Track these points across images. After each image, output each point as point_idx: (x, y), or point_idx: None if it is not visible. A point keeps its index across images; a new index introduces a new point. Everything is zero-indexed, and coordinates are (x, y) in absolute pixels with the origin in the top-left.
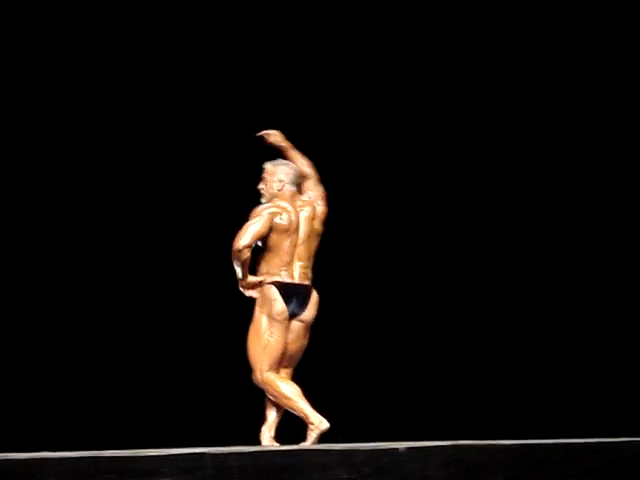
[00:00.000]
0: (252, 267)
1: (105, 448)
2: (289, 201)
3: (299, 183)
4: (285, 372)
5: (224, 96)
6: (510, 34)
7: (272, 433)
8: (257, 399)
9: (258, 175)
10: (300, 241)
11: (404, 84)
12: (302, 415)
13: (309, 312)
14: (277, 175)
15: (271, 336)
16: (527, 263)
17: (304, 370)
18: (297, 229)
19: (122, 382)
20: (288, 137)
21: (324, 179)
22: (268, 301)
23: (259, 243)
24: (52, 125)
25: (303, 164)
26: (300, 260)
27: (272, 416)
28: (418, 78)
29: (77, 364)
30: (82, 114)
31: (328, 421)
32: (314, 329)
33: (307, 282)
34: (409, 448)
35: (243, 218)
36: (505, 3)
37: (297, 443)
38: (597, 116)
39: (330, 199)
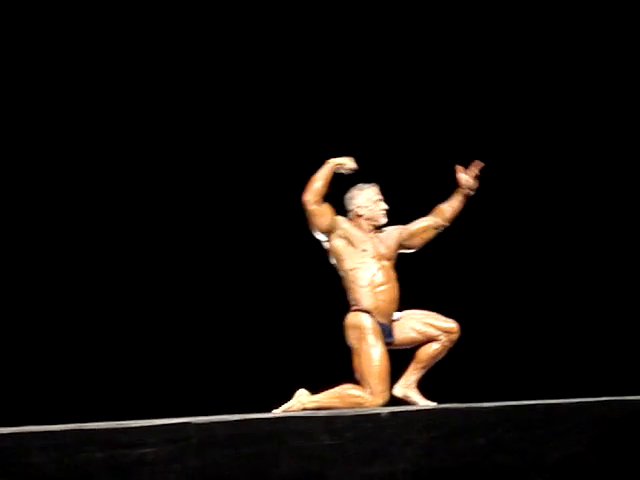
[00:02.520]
0: None
1: (88, 420)
2: None
3: None
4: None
5: (225, 96)
6: (513, 35)
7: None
8: (239, 367)
9: (258, 175)
10: None
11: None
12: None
13: None
14: None
15: None
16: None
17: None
18: None
19: (105, 353)
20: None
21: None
22: None
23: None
24: (52, 125)
25: (456, 214)
26: None
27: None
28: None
29: (60, 337)
30: (82, 114)
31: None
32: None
33: None
34: (391, 413)
35: (242, 217)
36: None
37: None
38: (597, 116)
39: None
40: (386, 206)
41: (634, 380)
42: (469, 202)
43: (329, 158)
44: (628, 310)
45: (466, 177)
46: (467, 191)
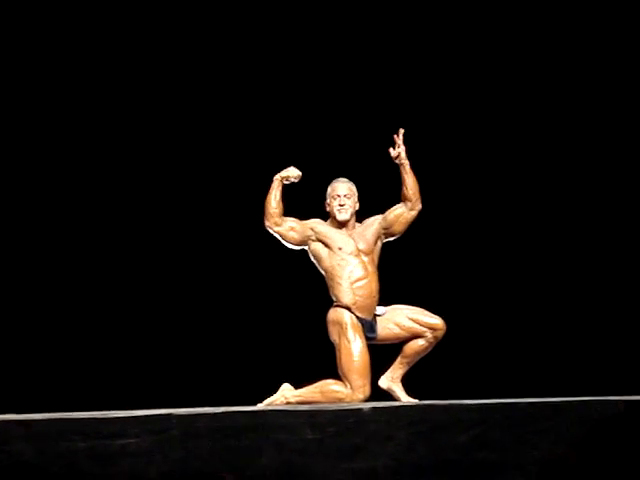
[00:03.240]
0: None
1: (71, 410)
2: None
3: None
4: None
5: (226, 97)
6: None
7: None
8: (222, 361)
9: (258, 176)
10: None
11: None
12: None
13: None
14: (356, 195)
15: None
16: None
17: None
18: None
19: (88, 343)
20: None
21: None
22: None
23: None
24: (52, 125)
25: (411, 187)
26: None
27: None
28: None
29: (44, 327)
30: (82, 114)
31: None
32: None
33: None
34: (373, 408)
35: (227, 213)
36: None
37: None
38: (597, 116)
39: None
40: (342, 202)
41: (616, 380)
42: (461, 198)
43: (322, 158)
44: (611, 310)
45: (392, 150)
46: (398, 161)
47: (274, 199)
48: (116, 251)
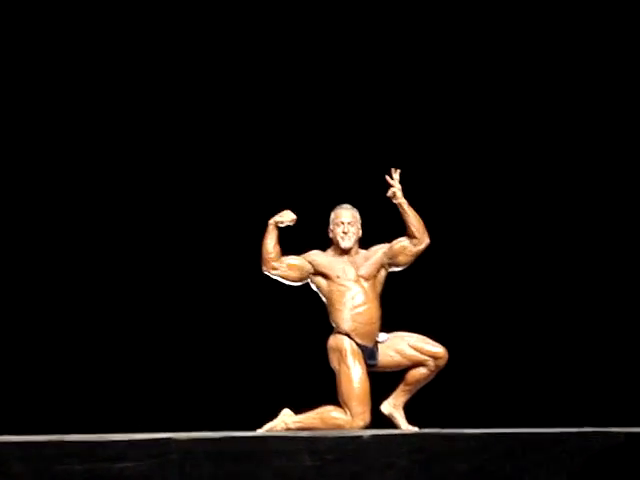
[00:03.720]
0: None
1: (70, 433)
2: None
3: None
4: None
5: (227, 98)
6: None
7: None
8: (223, 386)
9: (259, 177)
10: None
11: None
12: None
13: None
14: (359, 222)
15: None
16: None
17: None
18: None
19: (88, 366)
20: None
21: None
22: None
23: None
24: (52, 125)
25: (413, 225)
26: None
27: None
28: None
29: (43, 349)
30: (82, 114)
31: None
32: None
33: None
34: (373, 436)
35: (239, 216)
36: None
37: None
38: (598, 116)
39: None
40: (345, 229)
41: (616, 412)
42: (465, 227)
43: (323, 184)
44: (612, 342)
45: (389, 190)
46: (395, 201)
47: (269, 244)
48: (116, 272)
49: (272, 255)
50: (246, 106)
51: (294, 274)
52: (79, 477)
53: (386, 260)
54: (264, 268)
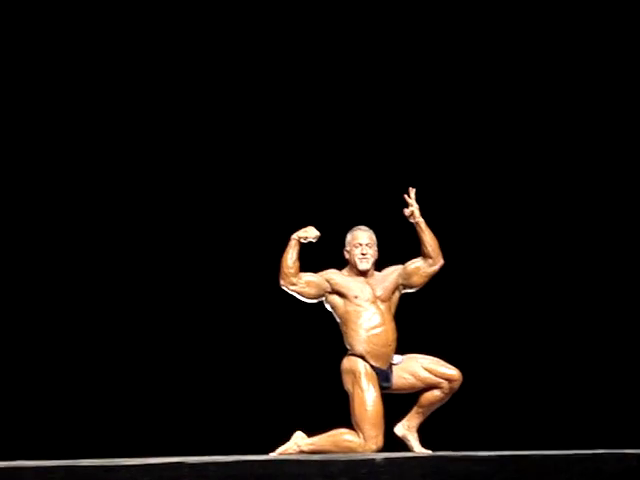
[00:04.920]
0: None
1: (82, 457)
2: None
3: None
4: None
5: (229, 98)
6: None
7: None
8: (235, 409)
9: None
10: None
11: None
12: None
13: None
14: (376, 244)
15: None
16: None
17: None
18: None
19: (100, 390)
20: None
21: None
22: None
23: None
24: (53, 125)
25: (429, 244)
26: None
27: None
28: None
29: (53, 372)
30: (82, 114)
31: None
32: None
33: None
34: (386, 459)
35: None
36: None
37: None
38: (598, 116)
39: None
40: (364, 251)
41: (629, 434)
42: (478, 249)
43: (337, 205)
44: (627, 366)
45: (405, 210)
46: (413, 220)
47: (290, 259)
48: (129, 294)
49: (292, 270)
50: (265, 123)
51: (311, 291)
52: None
53: (400, 281)
54: (282, 282)
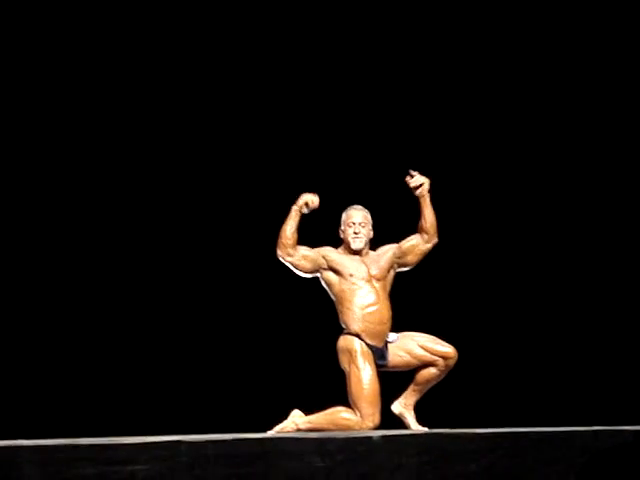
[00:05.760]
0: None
1: (81, 436)
2: None
3: None
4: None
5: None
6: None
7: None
8: (233, 387)
9: (269, 199)
10: None
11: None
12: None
13: None
14: (370, 223)
15: None
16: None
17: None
18: None
19: (98, 369)
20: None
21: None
22: None
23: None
24: (52, 125)
25: (429, 220)
26: None
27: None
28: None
29: (53, 352)
30: (83, 114)
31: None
32: None
33: None
34: (383, 437)
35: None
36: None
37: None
38: (597, 116)
39: None
40: (357, 230)
41: (624, 410)
42: (475, 226)
43: (334, 183)
44: (621, 342)
45: (410, 180)
46: (419, 194)
47: (290, 229)
48: (126, 276)
49: (290, 241)
50: (256, 104)
51: (307, 265)
52: None
53: (395, 260)
54: (279, 252)
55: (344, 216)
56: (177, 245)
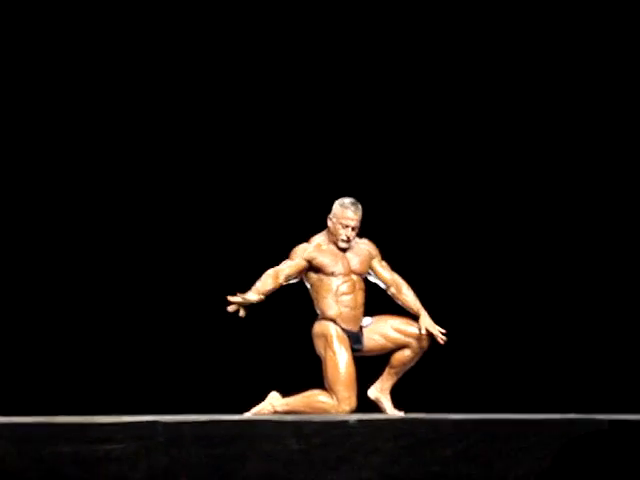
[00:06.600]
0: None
1: (57, 414)
2: None
3: None
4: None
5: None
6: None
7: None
8: (210, 369)
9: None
10: None
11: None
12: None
13: None
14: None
15: None
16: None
17: None
18: None
19: (76, 348)
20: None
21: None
22: None
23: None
24: (52, 125)
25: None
26: None
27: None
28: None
29: (32, 331)
30: (83, 114)
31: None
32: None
33: None
34: (359, 421)
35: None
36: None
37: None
38: (597, 116)
39: None
40: (348, 234)
41: (600, 399)
42: (458, 206)
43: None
44: (596, 330)
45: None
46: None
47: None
48: (103, 253)
49: (271, 288)
50: (255, 104)
51: (294, 280)
52: (66, 458)
53: (371, 264)
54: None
55: (339, 211)
56: (158, 228)
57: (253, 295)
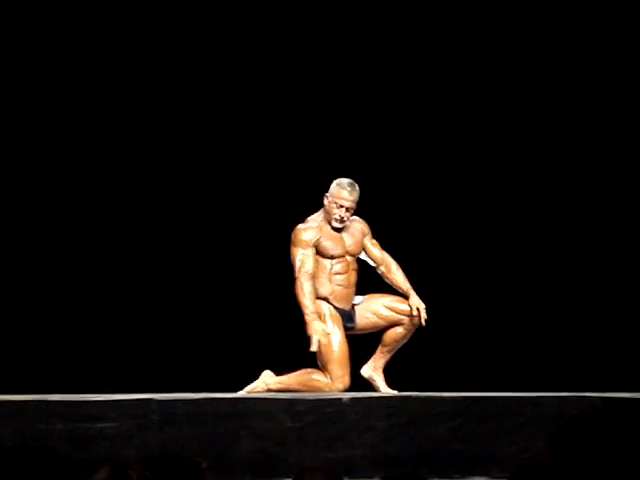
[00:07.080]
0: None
1: (51, 392)
2: None
3: None
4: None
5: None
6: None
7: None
8: (204, 347)
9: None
10: None
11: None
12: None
13: None
14: (356, 202)
15: None
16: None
17: None
18: None
19: (70, 326)
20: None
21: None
22: None
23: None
24: (52, 125)
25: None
26: None
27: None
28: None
29: (25, 309)
30: (83, 114)
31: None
32: None
33: None
34: (352, 399)
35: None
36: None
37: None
38: (597, 116)
39: None
40: (342, 214)
41: (592, 376)
42: (450, 191)
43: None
44: (590, 308)
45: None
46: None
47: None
48: (96, 236)
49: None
50: (254, 103)
51: (309, 262)
52: (60, 436)
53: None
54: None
55: (336, 191)
56: (157, 210)
57: (317, 322)
